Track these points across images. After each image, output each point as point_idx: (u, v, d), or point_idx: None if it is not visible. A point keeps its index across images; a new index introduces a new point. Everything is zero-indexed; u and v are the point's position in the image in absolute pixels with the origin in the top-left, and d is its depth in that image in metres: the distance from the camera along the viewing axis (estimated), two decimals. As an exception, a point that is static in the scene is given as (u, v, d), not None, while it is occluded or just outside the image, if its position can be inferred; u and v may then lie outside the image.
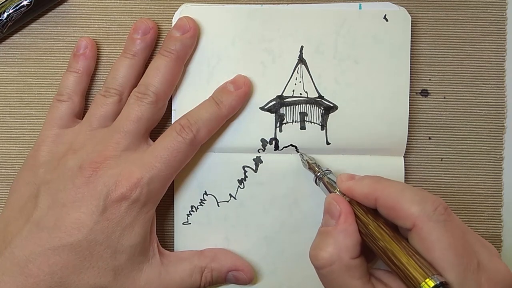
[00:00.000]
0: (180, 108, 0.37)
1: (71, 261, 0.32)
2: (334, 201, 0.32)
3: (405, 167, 0.38)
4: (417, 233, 0.28)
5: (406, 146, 0.38)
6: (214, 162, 0.38)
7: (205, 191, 0.38)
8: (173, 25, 0.37)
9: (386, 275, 0.30)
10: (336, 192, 0.33)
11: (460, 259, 0.27)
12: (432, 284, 0.26)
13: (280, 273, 0.38)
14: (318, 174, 0.35)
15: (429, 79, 0.39)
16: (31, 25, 0.39)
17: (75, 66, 0.37)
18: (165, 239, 0.39)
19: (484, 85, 0.39)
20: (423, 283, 0.26)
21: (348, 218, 0.31)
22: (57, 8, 0.39)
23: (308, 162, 0.36)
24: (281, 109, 0.37)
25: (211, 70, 0.37)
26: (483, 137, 0.39)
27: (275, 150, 0.38)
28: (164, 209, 0.39)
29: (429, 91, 0.39)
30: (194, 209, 0.38)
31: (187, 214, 0.38)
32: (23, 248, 0.32)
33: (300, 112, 0.38)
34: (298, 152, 0.38)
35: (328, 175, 0.35)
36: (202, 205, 0.38)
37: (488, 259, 0.28)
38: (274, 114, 0.38)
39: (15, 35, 0.39)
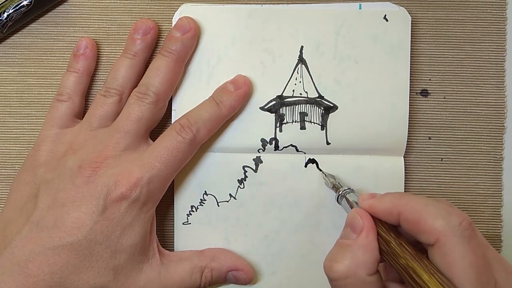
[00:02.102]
0: (180, 108, 0.37)
1: (71, 261, 0.32)
2: (358, 215, 0.31)
3: (405, 167, 0.38)
4: (439, 249, 0.27)
5: (406, 146, 0.38)
6: (214, 162, 0.38)
7: (205, 191, 0.38)
8: (173, 25, 0.37)
9: None
10: None
11: (480, 278, 0.27)
12: None
13: (280, 273, 0.38)
14: (341, 193, 0.35)
15: (429, 79, 0.39)
16: (31, 25, 0.39)
17: (75, 66, 0.37)
18: (165, 239, 0.39)
19: (484, 85, 0.39)
20: None
21: (370, 234, 0.30)
22: (57, 8, 0.39)
23: (331, 181, 0.36)
24: (281, 109, 0.37)
25: (211, 70, 0.37)
26: (483, 137, 0.39)
27: (275, 150, 0.38)
28: (164, 209, 0.39)
29: (429, 91, 0.39)
30: (194, 209, 0.38)
31: (187, 214, 0.38)
32: (23, 248, 0.32)
33: (300, 112, 0.38)
34: (298, 151, 0.38)
35: (349, 194, 0.34)
36: (202, 205, 0.38)
37: (505, 278, 0.28)
38: (274, 114, 0.38)
39: (15, 35, 0.39)
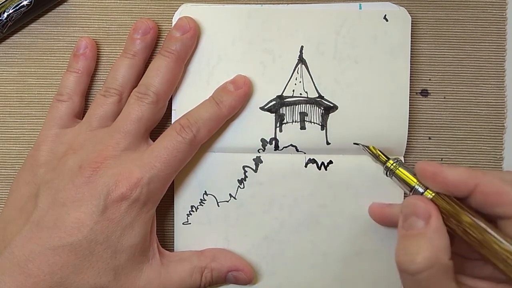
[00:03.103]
0: (180, 108, 0.37)
1: (71, 261, 0.32)
2: (421, 202, 0.30)
3: (405, 167, 0.38)
4: None
5: (406, 146, 0.38)
6: (214, 162, 0.38)
7: (205, 191, 0.38)
8: (173, 25, 0.37)
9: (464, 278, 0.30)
10: (415, 185, 0.32)
11: None
12: None
13: (280, 273, 0.38)
14: (390, 167, 0.33)
15: (429, 79, 0.39)
16: (31, 25, 0.39)
17: (75, 66, 0.37)
18: (165, 239, 0.39)
19: (484, 85, 0.39)
20: None
21: (439, 217, 0.29)
22: (57, 8, 0.39)
23: (376, 154, 0.35)
24: (281, 109, 0.37)
25: (211, 70, 0.37)
26: (483, 137, 0.39)
27: (275, 150, 0.38)
28: (164, 209, 0.39)
29: (429, 91, 0.39)
30: (194, 209, 0.38)
31: (187, 214, 0.38)
32: (23, 248, 0.32)
33: (300, 112, 0.38)
34: (298, 151, 0.38)
35: (400, 167, 0.33)
36: (202, 205, 0.38)
37: None
38: (274, 114, 0.38)
39: (15, 35, 0.39)
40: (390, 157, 0.34)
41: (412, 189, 0.32)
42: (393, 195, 0.37)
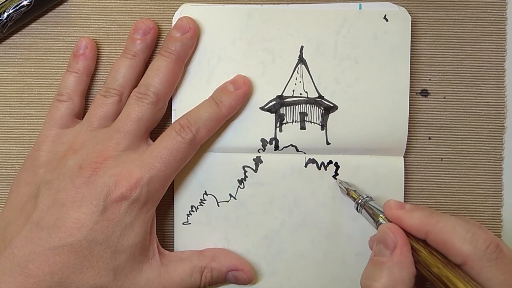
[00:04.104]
0: (180, 108, 0.37)
1: (71, 261, 0.32)
2: (390, 232, 0.31)
3: (405, 167, 0.38)
4: (468, 271, 0.28)
5: (406, 146, 0.38)
6: (214, 162, 0.38)
7: (205, 191, 0.38)
8: (173, 25, 0.37)
9: None
10: (380, 219, 0.33)
11: None
12: None
13: (280, 273, 0.38)
14: (360, 202, 0.35)
15: (429, 79, 0.39)
16: (31, 25, 0.39)
17: (75, 66, 0.37)
18: (165, 239, 0.39)
19: (484, 85, 0.39)
20: None
21: (404, 250, 0.30)
22: (57, 8, 0.39)
23: (347, 189, 0.36)
24: (281, 109, 0.37)
25: (211, 70, 0.37)
26: (483, 137, 0.39)
27: (275, 150, 0.38)
28: (164, 209, 0.39)
29: (429, 91, 0.39)
30: (194, 209, 0.38)
31: (187, 214, 0.38)
32: (23, 248, 0.32)
33: (300, 112, 0.38)
34: (298, 151, 0.38)
35: (369, 202, 0.34)
36: (202, 205, 0.38)
37: None
38: (274, 114, 0.38)
39: (15, 35, 0.39)
40: (361, 194, 0.35)
41: (376, 223, 0.33)
42: (393, 195, 0.37)
